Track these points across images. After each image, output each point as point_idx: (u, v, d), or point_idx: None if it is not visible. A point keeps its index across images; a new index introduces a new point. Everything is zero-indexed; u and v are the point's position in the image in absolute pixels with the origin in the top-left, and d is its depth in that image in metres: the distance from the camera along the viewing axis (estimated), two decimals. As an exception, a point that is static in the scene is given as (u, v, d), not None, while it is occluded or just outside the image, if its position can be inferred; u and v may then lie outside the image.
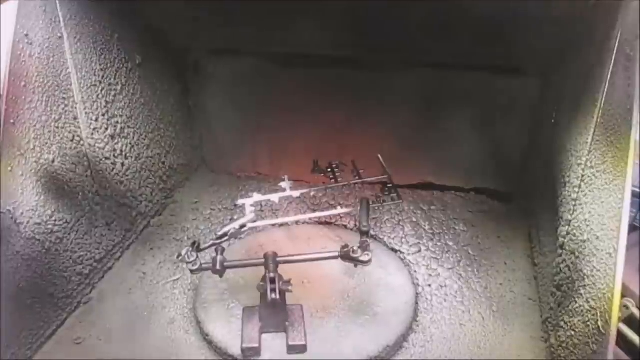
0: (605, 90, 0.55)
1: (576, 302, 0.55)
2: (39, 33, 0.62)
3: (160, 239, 0.85)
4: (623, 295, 0.49)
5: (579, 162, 0.61)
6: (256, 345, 0.62)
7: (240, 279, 0.72)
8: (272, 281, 0.58)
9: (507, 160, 0.91)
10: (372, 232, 0.81)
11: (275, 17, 0.80)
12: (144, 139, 0.86)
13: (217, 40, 0.91)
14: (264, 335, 0.64)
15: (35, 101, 0.62)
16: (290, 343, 0.62)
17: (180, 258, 0.64)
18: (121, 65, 0.79)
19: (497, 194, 0.93)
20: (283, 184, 0.70)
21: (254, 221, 0.66)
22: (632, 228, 0.78)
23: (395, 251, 0.81)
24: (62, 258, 0.68)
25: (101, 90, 0.75)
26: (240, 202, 0.69)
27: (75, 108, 0.70)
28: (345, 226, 0.86)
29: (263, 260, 0.62)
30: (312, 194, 0.90)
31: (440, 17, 0.73)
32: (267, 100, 0.94)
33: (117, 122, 0.79)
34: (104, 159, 0.76)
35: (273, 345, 0.63)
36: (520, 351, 0.64)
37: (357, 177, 0.73)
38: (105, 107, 0.76)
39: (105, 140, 0.76)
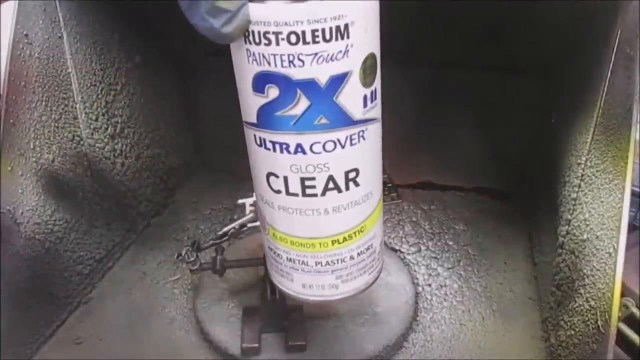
0: (605, 89, 0.55)
1: (576, 301, 0.55)
2: (39, 33, 0.62)
3: (160, 239, 0.85)
4: (623, 295, 0.49)
5: (579, 161, 0.61)
6: (256, 345, 0.62)
7: (240, 279, 0.72)
8: (272, 281, 0.58)
9: (507, 160, 0.91)
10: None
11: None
12: (144, 139, 0.86)
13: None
14: (263, 335, 0.64)
15: (35, 101, 0.63)
16: (290, 343, 0.62)
17: (180, 258, 0.64)
18: (121, 65, 0.79)
19: (497, 194, 0.93)
20: (283, 184, 0.70)
21: (254, 221, 0.66)
22: (632, 227, 0.78)
23: (395, 251, 0.81)
24: (62, 258, 0.68)
25: (101, 90, 0.75)
26: (240, 202, 0.69)
27: (75, 108, 0.70)
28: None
29: (263, 260, 0.62)
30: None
31: (440, 16, 0.73)
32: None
33: (117, 122, 0.79)
34: (104, 159, 0.76)
35: (273, 345, 0.63)
36: (520, 351, 0.64)
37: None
38: (105, 107, 0.76)
39: (105, 140, 0.76)
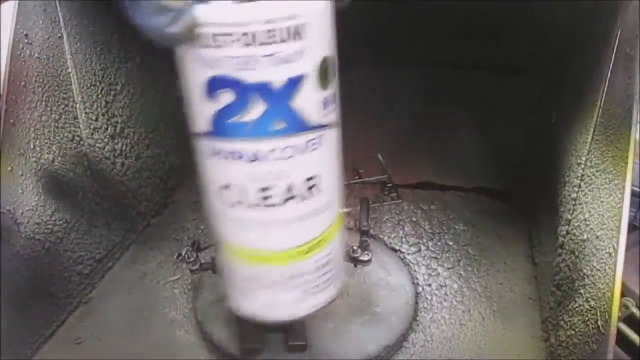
0: (605, 89, 0.55)
1: (576, 301, 0.55)
2: (39, 33, 0.62)
3: (160, 239, 0.85)
4: (623, 295, 0.49)
5: (579, 161, 0.61)
6: (256, 345, 0.62)
7: (240, 279, 0.72)
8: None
9: (507, 160, 0.92)
10: (371, 232, 0.81)
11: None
12: (144, 139, 0.86)
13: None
14: (264, 335, 0.64)
15: (35, 101, 0.62)
16: (290, 343, 0.62)
17: (180, 258, 0.64)
18: (121, 65, 0.79)
19: (497, 194, 0.93)
20: (283, 184, 0.70)
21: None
22: (632, 227, 0.78)
23: (395, 251, 0.81)
24: (62, 258, 0.68)
25: (101, 90, 0.75)
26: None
27: (75, 108, 0.70)
28: (345, 226, 0.86)
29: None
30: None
31: (440, 16, 0.73)
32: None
33: (117, 122, 0.79)
34: (104, 159, 0.76)
35: (273, 345, 0.63)
36: (520, 351, 0.64)
37: (357, 177, 0.73)
38: (105, 107, 0.76)
39: (105, 140, 0.76)
